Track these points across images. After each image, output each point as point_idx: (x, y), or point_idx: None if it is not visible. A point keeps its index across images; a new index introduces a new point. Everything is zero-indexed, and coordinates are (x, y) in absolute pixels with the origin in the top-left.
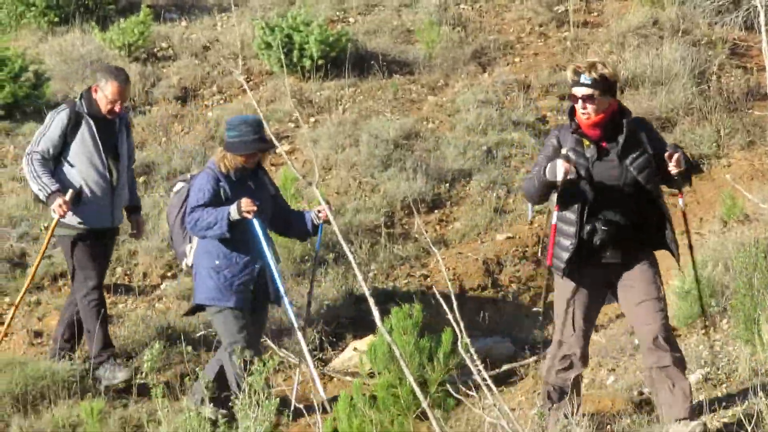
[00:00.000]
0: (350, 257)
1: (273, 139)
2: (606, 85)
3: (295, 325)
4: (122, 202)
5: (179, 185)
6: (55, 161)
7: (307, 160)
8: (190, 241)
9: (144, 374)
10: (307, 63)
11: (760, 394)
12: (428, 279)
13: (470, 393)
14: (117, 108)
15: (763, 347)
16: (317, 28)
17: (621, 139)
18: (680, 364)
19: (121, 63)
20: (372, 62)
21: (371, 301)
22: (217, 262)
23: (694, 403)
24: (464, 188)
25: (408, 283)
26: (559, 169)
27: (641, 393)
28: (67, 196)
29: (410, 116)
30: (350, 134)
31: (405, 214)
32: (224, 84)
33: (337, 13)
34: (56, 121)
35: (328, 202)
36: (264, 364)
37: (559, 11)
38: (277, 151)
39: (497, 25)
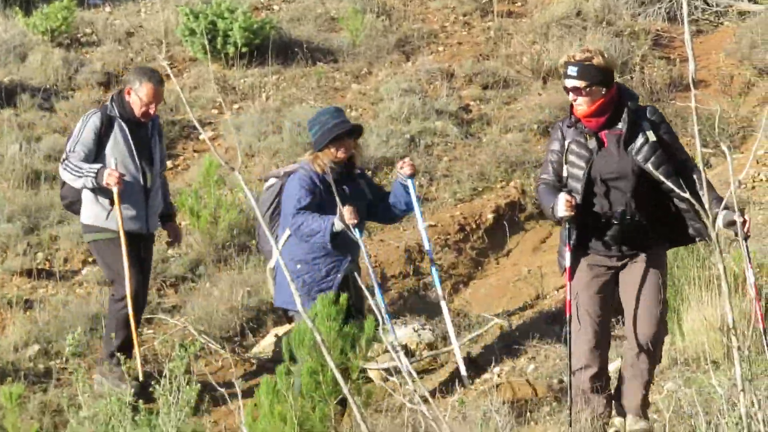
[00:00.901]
0: (272, 243)
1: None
2: (597, 76)
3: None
4: (157, 207)
5: (271, 180)
6: None
7: (230, 146)
8: (277, 241)
9: (64, 359)
10: (231, 50)
11: (680, 382)
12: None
13: (391, 379)
14: (152, 110)
15: (682, 337)
16: (241, 15)
17: (622, 127)
18: (655, 367)
19: (45, 48)
20: (296, 50)
21: (293, 287)
22: (298, 267)
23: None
24: (387, 176)
25: None
26: (560, 208)
27: (561, 381)
28: (112, 164)
29: (333, 104)
30: (273, 121)
31: None
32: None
33: (262, 0)
34: (89, 124)
35: (405, 156)
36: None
37: (484, 1)
38: (200, 137)
39: (421, 14)
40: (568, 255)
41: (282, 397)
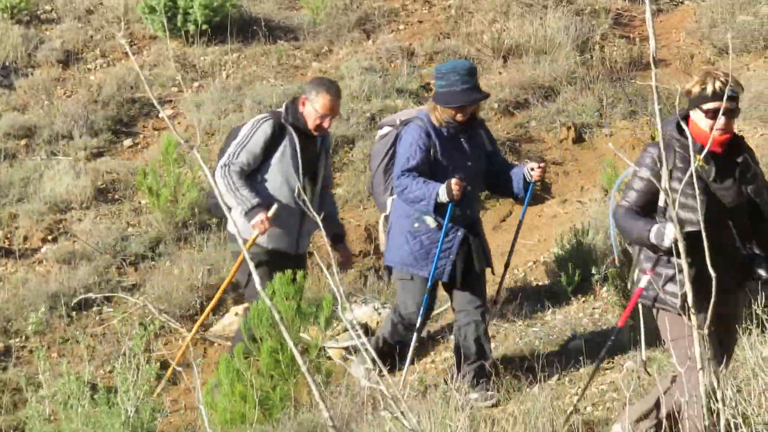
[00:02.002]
0: (231, 222)
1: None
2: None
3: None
4: (311, 229)
5: (385, 129)
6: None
7: (190, 124)
8: (392, 193)
9: (24, 337)
10: (191, 27)
11: (639, 361)
12: (310, 245)
13: (350, 357)
14: (326, 124)
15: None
16: None
17: (740, 159)
18: None
19: (4, 25)
20: (256, 28)
21: (252, 266)
22: (416, 225)
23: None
24: (347, 155)
25: None
26: (668, 238)
27: (523, 359)
28: (270, 212)
29: (294, 82)
30: (234, 99)
31: None
32: (107, 48)
33: None
34: (259, 132)
35: (543, 160)
36: (145, 328)
37: None
38: (160, 115)
39: None
40: (645, 279)
41: (242, 377)
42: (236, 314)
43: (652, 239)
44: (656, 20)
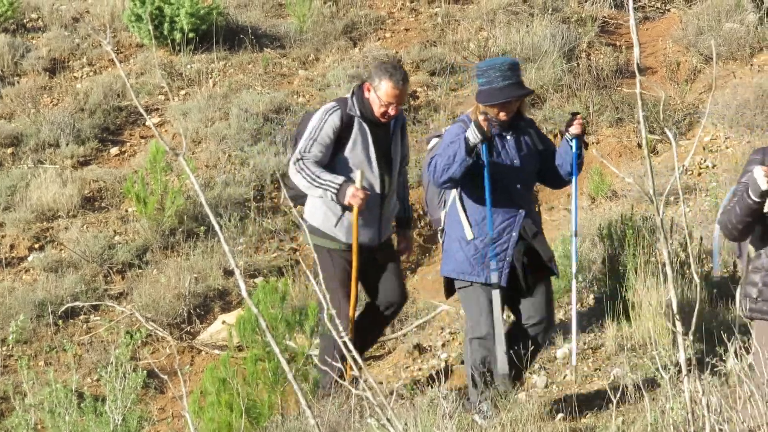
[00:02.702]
0: (218, 230)
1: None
2: None
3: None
4: (391, 214)
5: (433, 141)
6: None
7: (176, 133)
8: (445, 206)
9: (10, 346)
10: (178, 36)
11: (626, 368)
12: (297, 252)
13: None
14: (392, 111)
15: (629, 323)
16: (188, 0)
17: None
18: None
19: None
20: (242, 36)
21: (238, 274)
22: (469, 230)
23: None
24: None
25: (277, 256)
26: (760, 178)
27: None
28: (357, 182)
29: (281, 90)
30: (220, 108)
31: (274, 187)
32: (94, 56)
33: None
34: (328, 123)
35: (577, 113)
36: (132, 336)
37: None
38: (147, 123)
39: (368, 0)
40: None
41: (228, 385)
42: (223, 322)
43: (751, 194)
44: (642, 28)
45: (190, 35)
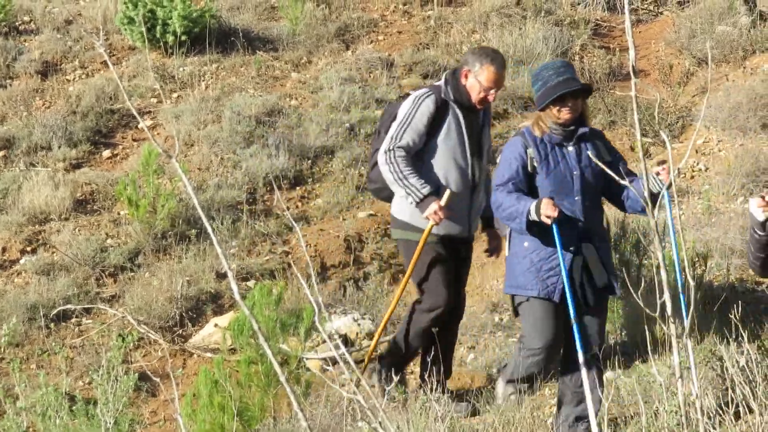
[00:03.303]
0: (211, 233)
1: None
2: None
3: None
4: (480, 206)
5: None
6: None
7: (169, 135)
8: None
9: (2, 349)
10: (170, 38)
11: (619, 371)
12: (290, 256)
13: (329, 368)
14: (491, 97)
15: (613, 324)
16: (180, 3)
17: None
18: None
19: None
20: (235, 39)
21: (231, 276)
22: (525, 244)
23: None
24: (326, 165)
25: (269, 259)
26: (755, 210)
27: (500, 370)
28: (443, 200)
29: (273, 93)
30: (213, 110)
31: (267, 190)
32: (86, 59)
33: None
34: (422, 108)
35: (664, 161)
36: (124, 339)
37: None
38: (139, 126)
39: (361, 2)
40: None
41: (221, 388)
42: (216, 325)
43: (755, 228)
44: (635, 30)
45: (183, 38)
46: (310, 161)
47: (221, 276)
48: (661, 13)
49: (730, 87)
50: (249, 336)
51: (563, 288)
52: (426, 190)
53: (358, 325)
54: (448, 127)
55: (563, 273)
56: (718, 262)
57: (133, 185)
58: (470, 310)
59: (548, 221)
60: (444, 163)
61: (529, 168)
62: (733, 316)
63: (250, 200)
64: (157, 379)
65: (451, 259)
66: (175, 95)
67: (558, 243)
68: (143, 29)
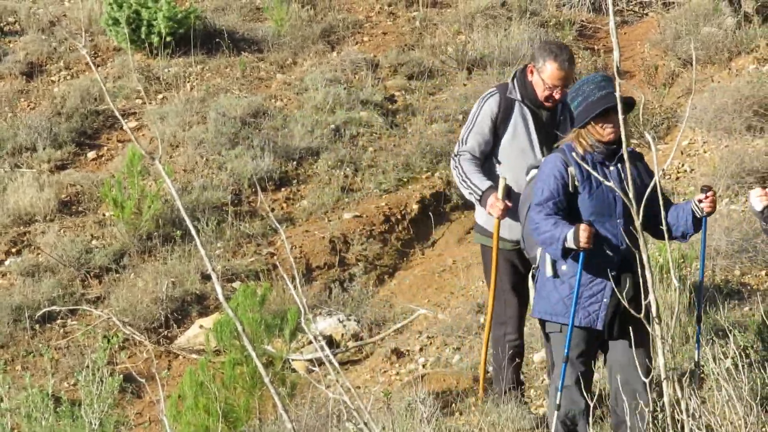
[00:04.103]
0: (195, 235)
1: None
2: None
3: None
4: None
5: (533, 172)
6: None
7: (154, 137)
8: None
9: None
10: (155, 39)
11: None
12: (275, 257)
13: (314, 370)
14: (556, 95)
15: None
16: (165, 4)
17: None
18: None
19: None
20: (220, 40)
21: (215, 278)
22: (563, 268)
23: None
24: (312, 167)
25: (254, 261)
26: (754, 200)
27: (486, 371)
28: (499, 192)
29: (258, 94)
30: (198, 111)
31: (252, 191)
32: (71, 60)
33: None
34: (485, 109)
35: (709, 188)
36: (109, 340)
37: None
38: (124, 127)
39: (346, 3)
40: None
41: (206, 389)
42: (201, 327)
43: (761, 220)
44: (620, 32)
45: (168, 39)
46: (295, 162)
47: (206, 277)
48: (647, 15)
49: (715, 88)
50: (233, 337)
51: (606, 315)
52: (485, 185)
53: (344, 326)
54: (515, 127)
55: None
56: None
57: (118, 186)
58: (455, 311)
59: (586, 247)
60: (513, 163)
61: (571, 187)
62: (719, 317)
63: (235, 201)
64: (143, 381)
65: (527, 266)
66: (160, 96)
67: (578, 272)
68: (128, 30)
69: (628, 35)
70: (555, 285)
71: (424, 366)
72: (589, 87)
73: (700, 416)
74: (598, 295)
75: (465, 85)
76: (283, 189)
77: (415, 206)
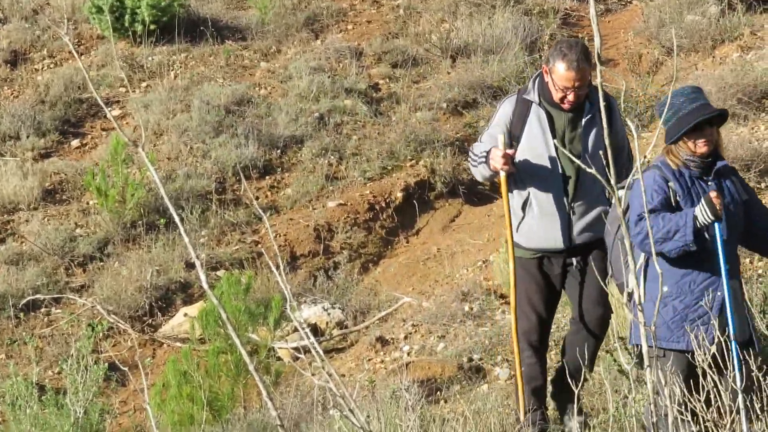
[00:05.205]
0: (179, 223)
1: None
2: None
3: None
4: (591, 214)
5: (620, 193)
6: None
7: (137, 125)
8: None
9: None
10: (139, 28)
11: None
12: (259, 245)
13: (300, 357)
14: (571, 97)
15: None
16: None
17: None
18: None
19: None
20: (204, 28)
21: (199, 266)
22: (665, 289)
23: None
24: (296, 155)
25: (239, 249)
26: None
27: (470, 359)
28: (499, 144)
29: (242, 82)
30: (182, 100)
31: (236, 180)
32: (54, 48)
33: None
34: (500, 112)
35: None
36: (93, 329)
37: None
38: (107, 115)
39: None
40: None
41: (190, 378)
42: (185, 315)
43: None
44: (604, 20)
45: (152, 27)
46: (279, 151)
47: (190, 265)
48: (630, 3)
49: (699, 76)
50: (218, 326)
51: (712, 339)
52: (487, 147)
53: (328, 314)
54: (530, 129)
55: (725, 286)
56: None
57: (102, 175)
58: (440, 299)
59: (719, 216)
60: (531, 167)
61: (672, 202)
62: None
63: (220, 190)
64: (127, 369)
65: (547, 276)
66: (144, 84)
67: (720, 244)
68: (111, 18)
69: (611, 23)
70: (659, 309)
71: (408, 354)
72: (679, 100)
73: (684, 402)
74: (704, 317)
75: (449, 73)
76: (267, 177)
77: (400, 194)
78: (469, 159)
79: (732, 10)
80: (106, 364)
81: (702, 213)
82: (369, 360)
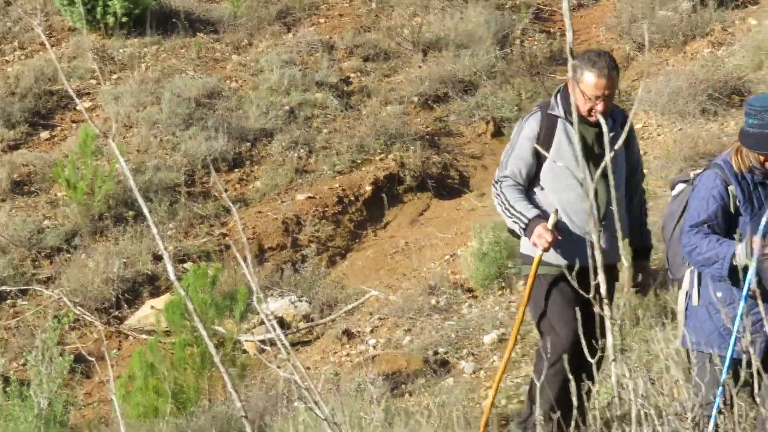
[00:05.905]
0: (147, 214)
1: None
2: None
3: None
4: (616, 232)
5: (679, 187)
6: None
7: (108, 117)
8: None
9: None
10: (111, 20)
11: None
12: (227, 237)
13: (266, 349)
14: (600, 107)
15: None
16: None
17: None
18: None
19: None
20: (176, 20)
21: (166, 258)
22: (719, 295)
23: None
24: (266, 148)
25: (206, 241)
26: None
27: (436, 353)
28: (549, 223)
29: (213, 75)
30: (152, 92)
31: (205, 172)
32: (25, 40)
33: None
34: (525, 131)
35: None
36: (59, 321)
37: None
38: (78, 107)
39: None
40: None
41: (155, 370)
42: (152, 307)
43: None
44: (576, 15)
45: (123, 19)
46: (249, 143)
47: (158, 258)
48: None
49: (669, 72)
50: (184, 318)
51: (765, 346)
52: (531, 213)
53: (295, 307)
54: (559, 146)
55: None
56: (655, 245)
57: (71, 167)
58: (407, 293)
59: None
60: (558, 185)
61: (732, 208)
62: (670, 299)
63: (189, 182)
64: (93, 360)
65: (576, 293)
66: (114, 77)
67: (746, 288)
68: (83, 10)
69: (584, 18)
70: (709, 314)
71: (374, 347)
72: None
73: (648, 396)
74: (757, 325)
75: (420, 67)
76: (236, 170)
77: (369, 188)
78: (498, 196)
79: (703, 5)
80: (72, 356)
81: (742, 253)
82: (335, 353)
